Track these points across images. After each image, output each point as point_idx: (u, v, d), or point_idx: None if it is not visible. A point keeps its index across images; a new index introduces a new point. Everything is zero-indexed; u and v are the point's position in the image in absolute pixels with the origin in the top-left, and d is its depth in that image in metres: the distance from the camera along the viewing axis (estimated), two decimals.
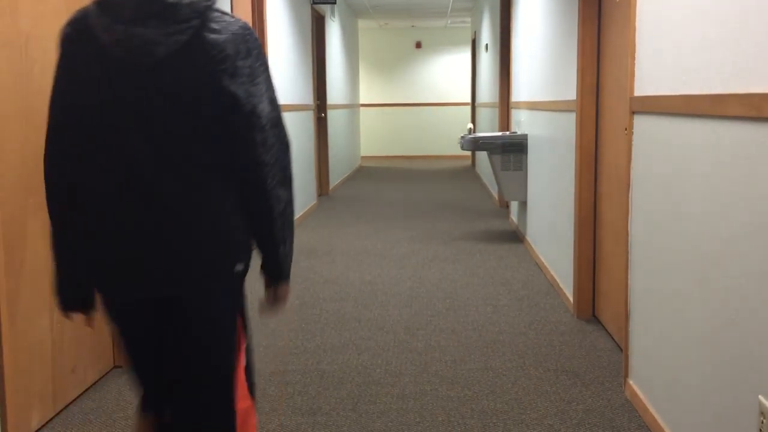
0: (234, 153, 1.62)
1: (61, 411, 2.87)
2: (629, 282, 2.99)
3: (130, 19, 1.52)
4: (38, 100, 2.72)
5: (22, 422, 2.60)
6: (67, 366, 2.90)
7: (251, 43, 1.61)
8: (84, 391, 3.05)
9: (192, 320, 1.68)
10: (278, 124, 1.65)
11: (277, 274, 1.78)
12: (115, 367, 3.33)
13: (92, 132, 1.60)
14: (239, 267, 1.70)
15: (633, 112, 2.91)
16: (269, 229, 1.68)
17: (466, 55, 15.99)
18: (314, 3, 8.66)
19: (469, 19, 14.61)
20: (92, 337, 3.12)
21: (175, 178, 1.59)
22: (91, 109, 1.59)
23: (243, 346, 1.77)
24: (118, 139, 1.58)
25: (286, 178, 1.68)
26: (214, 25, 1.57)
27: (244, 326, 1.80)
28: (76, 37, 1.60)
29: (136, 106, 1.57)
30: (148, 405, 1.79)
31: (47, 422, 2.77)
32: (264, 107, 1.61)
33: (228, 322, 1.74)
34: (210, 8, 1.59)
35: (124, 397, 3.02)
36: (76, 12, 1.63)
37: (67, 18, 1.67)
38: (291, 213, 1.72)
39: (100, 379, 3.19)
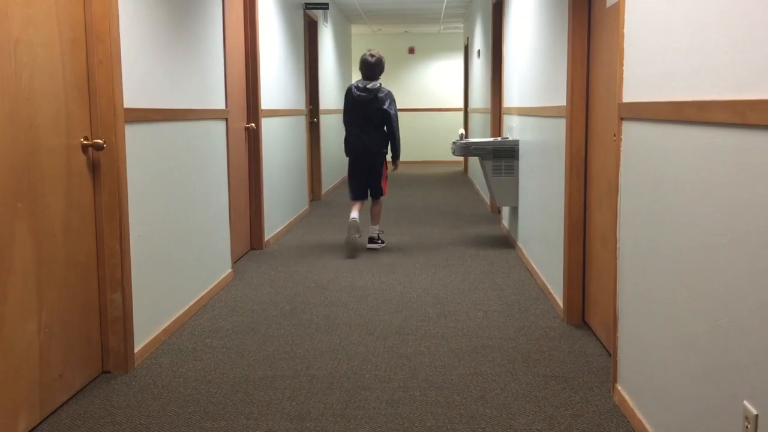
0: (385, 124, 6.05)
1: (49, 416, 2.86)
2: (618, 287, 3.00)
3: (361, 90, 5.99)
4: (27, 104, 2.71)
5: (9, 427, 2.58)
6: (54, 371, 2.89)
7: (389, 95, 6.05)
8: (72, 397, 3.04)
9: (371, 166, 6.13)
10: (396, 118, 6.06)
11: (395, 157, 6.24)
12: (104, 372, 3.32)
13: (352, 118, 6.08)
14: (384, 151, 6.12)
15: (622, 118, 2.92)
16: (393, 143, 6.10)
17: (459, 60, 16.02)
18: (307, 8, 8.67)
19: (461, 25, 14.64)
20: (81, 343, 3.11)
21: (372, 130, 6.04)
22: (352, 112, 6.07)
23: (385, 173, 6.21)
24: (358, 120, 6.05)
25: (398, 131, 6.07)
26: (380, 92, 5.99)
27: (385, 168, 6.24)
28: (349, 91, 6.07)
29: (363, 112, 6.03)
30: (356, 197, 6.14)
31: (34, 427, 2.76)
32: (393, 113, 6.02)
33: (381, 167, 6.16)
34: (379, 87, 6.02)
35: (112, 403, 3.01)
36: (351, 84, 6.11)
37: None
38: (399, 139, 6.11)
39: (88, 384, 3.18)
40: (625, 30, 2.88)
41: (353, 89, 6.00)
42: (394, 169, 6.36)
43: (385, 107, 5.95)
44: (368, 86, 5.95)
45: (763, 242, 1.76)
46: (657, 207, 2.52)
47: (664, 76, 2.46)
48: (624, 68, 2.90)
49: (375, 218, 6.22)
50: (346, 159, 6.33)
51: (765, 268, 1.75)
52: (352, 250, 5.90)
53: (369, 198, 6.29)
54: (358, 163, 6.13)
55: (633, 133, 2.79)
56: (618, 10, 3.00)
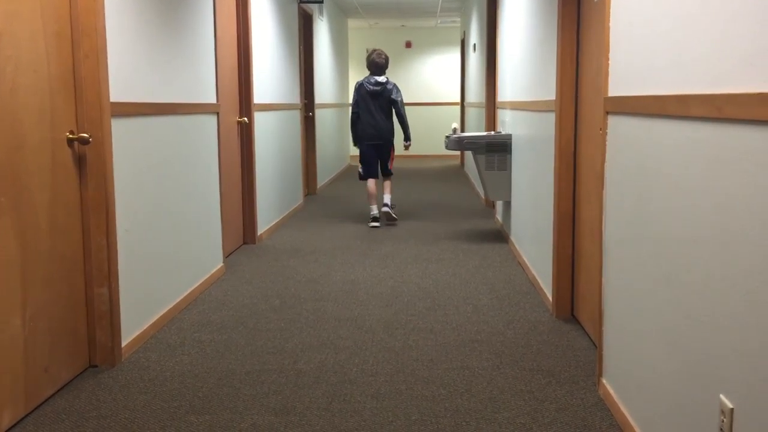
0: (395, 110, 7.34)
1: (34, 410, 2.86)
2: (603, 281, 3.00)
3: (372, 85, 7.24)
4: (11, 98, 2.71)
5: None
6: (39, 365, 2.89)
7: (395, 86, 7.35)
8: (57, 391, 3.04)
9: (382, 148, 7.35)
10: (402, 104, 7.36)
11: (407, 138, 7.50)
12: (90, 366, 3.32)
13: (365, 109, 7.27)
14: (391, 138, 7.39)
15: (607, 113, 2.92)
16: (404, 126, 7.42)
17: (456, 54, 16.00)
18: (301, 2, 8.65)
19: (458, 19, 14.61)
20: (67, 337, 3.11)
21: (382, 117, 7.27)
22: (366, 103, 7.26)
23: (393, 153, 7.47)
24: (372, 110, 7.25)
25: (405, 116, 7.40)
26: (389, 83, 7.30)
27: (393, 151, 7.47)
28: (360, 85, 7.30)
29: (377, 103, 7.25)
30: (368, 175, 7.39)
31: (18, 421, 2.76)
32: (400, 99, 7.32)
33: (390, 149, 7.42)
34: (387, 81, 7.31)
35: (98, 397, 3.01)
36: (362, 81, 7.34)
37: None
38: (407, 123, 7.45)
39: (74, 378, 3.19)
40: (611, 24, 2.87)
41: (366, 84, 7.29)
42: (407, 149, 7.60)
43: (393, 96, 7.29)
44: (379, 80, 7.25)
45: (741, 237, 1.76)
46: (641, 201, 2.52)
47: (647, 70, 2.46)
48: (610, 62, 2.90)
49: (387, 189, 7.42)
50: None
51: (743, 262, 1.75)
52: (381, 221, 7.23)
53: (380, 176, 7.52)
54: (371, 147, 7.34)
55: (618, 127, 2.79)
56: (604, 3, 3.00)
